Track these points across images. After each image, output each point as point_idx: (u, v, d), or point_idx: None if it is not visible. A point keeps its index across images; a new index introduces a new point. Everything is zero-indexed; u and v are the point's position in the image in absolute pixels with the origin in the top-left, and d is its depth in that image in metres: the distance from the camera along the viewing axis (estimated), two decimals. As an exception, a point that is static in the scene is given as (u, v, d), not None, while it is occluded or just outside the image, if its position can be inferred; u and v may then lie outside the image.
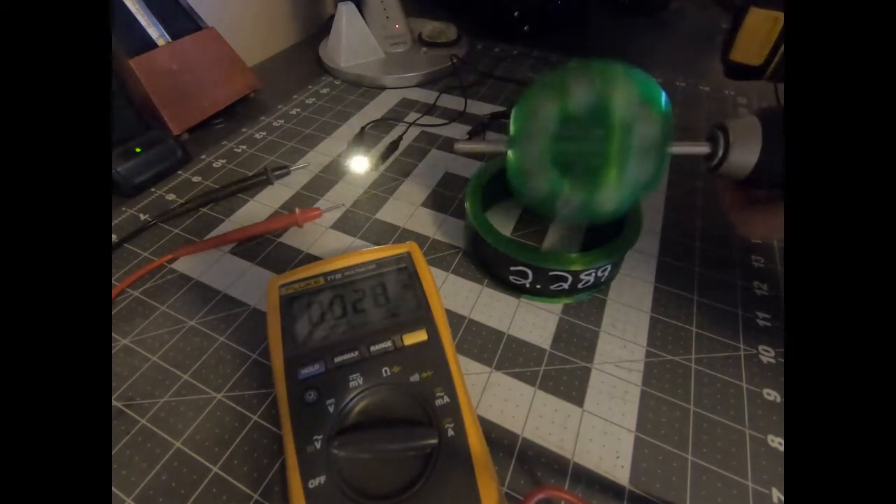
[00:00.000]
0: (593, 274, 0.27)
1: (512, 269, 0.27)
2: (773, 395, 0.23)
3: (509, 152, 0.23)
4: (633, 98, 0.20)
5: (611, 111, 0.20)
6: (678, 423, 0.22)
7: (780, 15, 0.26)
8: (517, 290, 0.29)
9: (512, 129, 0.23)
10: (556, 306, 0.28)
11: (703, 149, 0.21)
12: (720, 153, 0.21)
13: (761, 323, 0.27)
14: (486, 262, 0.30)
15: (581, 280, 0.27)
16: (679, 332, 0.26)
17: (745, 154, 0.20)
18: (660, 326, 0.27)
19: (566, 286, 0.27)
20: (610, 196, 0.22)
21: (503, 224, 0.33)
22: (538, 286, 0.27)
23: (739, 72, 0.28)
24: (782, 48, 0.27)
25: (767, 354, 0.25)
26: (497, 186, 0.32)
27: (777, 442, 0.22)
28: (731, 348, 0.26)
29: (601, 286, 0.29)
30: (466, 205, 0.29)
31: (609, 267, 0.27)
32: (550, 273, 0.26)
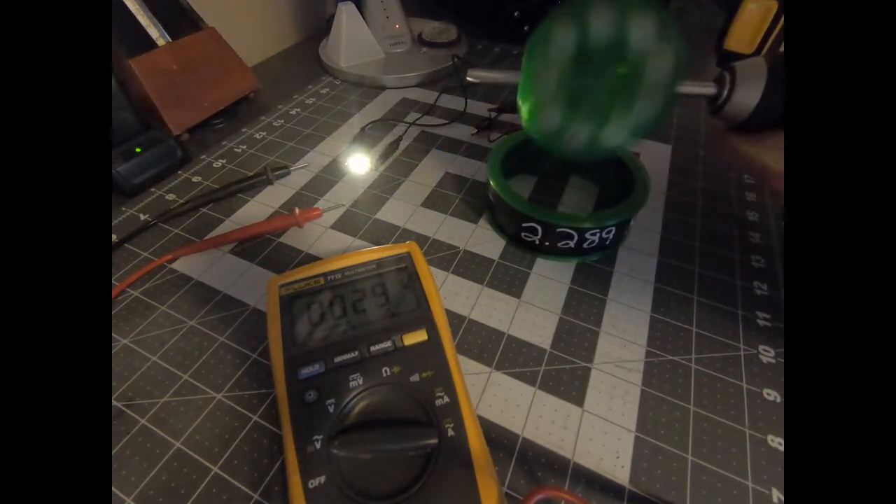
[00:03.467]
0: (598, 234, 0.28)
1: (524, 225, 0.29)
2: (773, 395, 0.23)
3: (521, 84, 0.23)
4: (649, 32, 0.20)
5: (626, 44, 0.20)
6: (678, 423, 0.22)
7: (774, 4, 0.26)
8: (529, 248, 0.31)
9: (525, 60, 0.23)
10: (557, 304, 0.28)
11: (709, 89, 0.22)
12: (725, 93, 0.21)
13: (761, 323, 0.27)
14: (502, 221, 0.32)
15: (586, 239, 0.29)
16: (679, 332, 0.26)
17: (749, 94, 0.20)
18: (660, 326, 0.27)
19: (572, 244, 0.29)
20: (616, 132, 0.22)
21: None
22: (547, 243, 0.30)
23: (731, 61, 0.29)
24: (773, 35, 0.27)
25: (767, 354, 0.25)
26: (514, 161, 0.35)
27: (777, 442, 0.22)
28: (731, 348, 0.26)
29: (606, 250, 0.31)
30: (487, 168, 0.32)
31: (613, 230, 0.29)
32: (558, 230, 0.28)
